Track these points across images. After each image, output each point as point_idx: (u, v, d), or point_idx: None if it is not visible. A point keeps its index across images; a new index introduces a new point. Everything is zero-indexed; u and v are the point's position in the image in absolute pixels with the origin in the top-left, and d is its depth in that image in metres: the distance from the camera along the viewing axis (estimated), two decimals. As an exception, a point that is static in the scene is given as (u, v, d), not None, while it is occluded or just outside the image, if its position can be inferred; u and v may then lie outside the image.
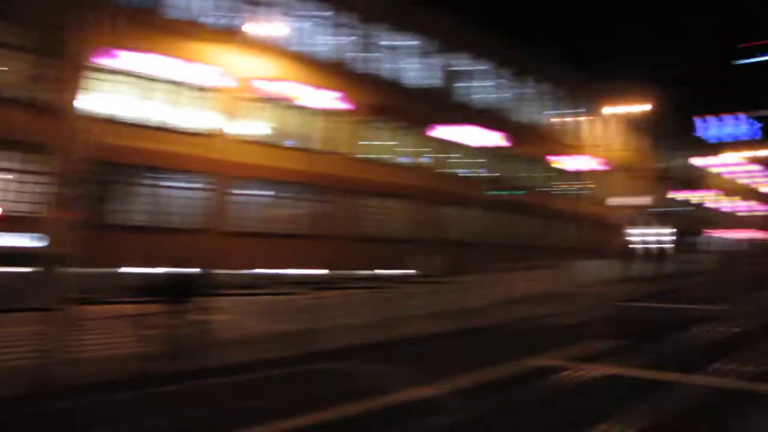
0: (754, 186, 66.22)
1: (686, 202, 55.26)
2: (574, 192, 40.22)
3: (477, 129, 31.60)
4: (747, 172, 62.93)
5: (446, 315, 12.10)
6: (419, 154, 29.56)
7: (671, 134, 52.83)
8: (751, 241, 54.33)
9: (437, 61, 30.33)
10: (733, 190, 64.02)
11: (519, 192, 12.25)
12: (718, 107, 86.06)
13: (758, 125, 58.29)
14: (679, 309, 16.03)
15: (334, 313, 10.72)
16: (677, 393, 7.07)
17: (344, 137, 25.40)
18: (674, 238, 27.83)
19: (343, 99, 24.46)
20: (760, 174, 64.01)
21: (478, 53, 32.83)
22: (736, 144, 57.53)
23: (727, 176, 62.72)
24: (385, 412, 6.44)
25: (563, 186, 39.26)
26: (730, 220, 63.21)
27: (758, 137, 57.90)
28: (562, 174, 39.24)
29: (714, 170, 60.50)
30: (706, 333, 11.99)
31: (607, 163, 42.56)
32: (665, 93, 41.43)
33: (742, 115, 56.99)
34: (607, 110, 38.34)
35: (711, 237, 56.96)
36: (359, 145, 26.12)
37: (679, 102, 45.66)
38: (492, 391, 7.39)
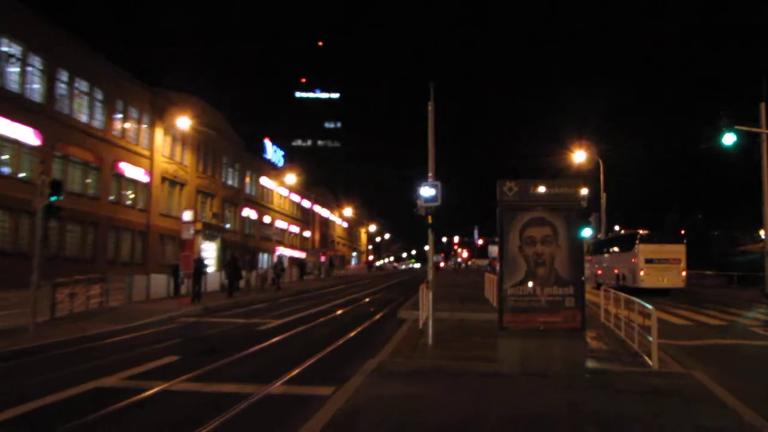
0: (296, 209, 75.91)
1: (256, 221, 59.94)
2: (131, 202, 38.93)
3: (10, 122, 27.77)
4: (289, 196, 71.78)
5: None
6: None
7: (242, 154, 56.76)
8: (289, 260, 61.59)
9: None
10: (288, 210, 72.41)
11: (59, 197, 11.31)
12: (281, 132, 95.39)
13: (283, 152, 68.00)
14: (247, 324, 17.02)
15: None
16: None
17: None
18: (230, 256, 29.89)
19: None
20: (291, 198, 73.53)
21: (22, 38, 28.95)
22: (283, 169, 64.93)
23: (286, 197, 70.64)
24: None
25: (121, 195, 37.53)
26: (287, 239, 70.92)
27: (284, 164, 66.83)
28: (121, 182, 37.54)
29: (277, 191, 67.42)
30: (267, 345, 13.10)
31: (169, 176, 42.83)
32: (234, 113, 43.83)
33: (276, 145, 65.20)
34: (176, 122, 38.49)
35: (272, 254, 62.75)
36: None
37: (249, 124, 48.59)
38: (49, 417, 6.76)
